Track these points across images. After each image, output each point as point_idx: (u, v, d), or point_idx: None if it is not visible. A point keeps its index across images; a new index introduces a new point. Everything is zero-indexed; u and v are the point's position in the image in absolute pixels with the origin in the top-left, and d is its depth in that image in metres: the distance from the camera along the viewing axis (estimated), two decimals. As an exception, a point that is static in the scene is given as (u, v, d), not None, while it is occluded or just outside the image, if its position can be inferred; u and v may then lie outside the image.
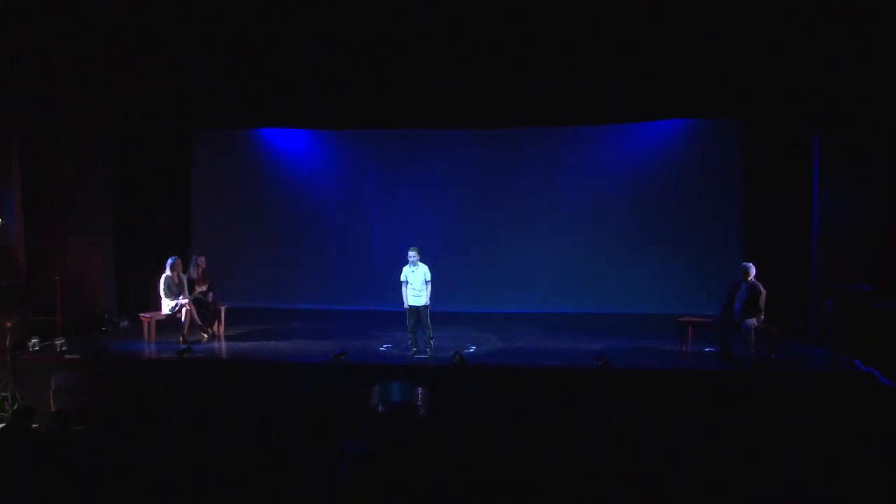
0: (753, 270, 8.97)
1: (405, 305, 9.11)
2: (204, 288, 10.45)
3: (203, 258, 10.64)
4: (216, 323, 10.41)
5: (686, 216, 12.21)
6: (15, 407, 8.11)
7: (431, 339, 9.09)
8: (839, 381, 8.00)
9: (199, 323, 9.98)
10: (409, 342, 9.20)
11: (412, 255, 9.02)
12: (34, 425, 6.31)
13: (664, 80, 10.45)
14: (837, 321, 9.24)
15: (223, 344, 10.04)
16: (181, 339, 9.74)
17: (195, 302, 10.07)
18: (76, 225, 10.84)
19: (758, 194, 11.24)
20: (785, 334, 9.40)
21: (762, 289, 8.86)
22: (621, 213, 12.41)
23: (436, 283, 9.22)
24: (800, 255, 10.46)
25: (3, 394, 8.32)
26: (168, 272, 9.99)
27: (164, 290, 9.96)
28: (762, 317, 8.89)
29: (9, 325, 8.78)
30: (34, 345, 9.08)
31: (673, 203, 12.26)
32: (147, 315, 10.07)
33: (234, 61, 10.27)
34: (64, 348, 9.08)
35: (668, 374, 8.34)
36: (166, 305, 9.97)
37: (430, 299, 9.10)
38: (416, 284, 9.01)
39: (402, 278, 9.10)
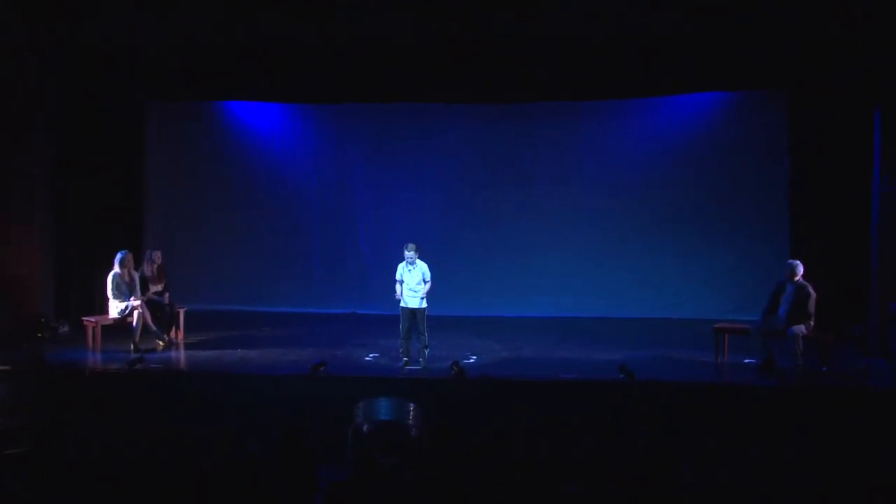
0: (801, 269, 8.95)
1: (398, 298, 9.12)
2: (159, 287, 10.42)
3: (159, 253, 10.63)
4: (173, 328, 10.39)
5: (722, 206, 12.23)
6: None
7: (426, 347, 9.10)
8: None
9: (154, 328, 9.95)
10: (401, 350, 9.19)
11: (409, 253, 9.01)
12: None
13: (697, 45, 10.40)
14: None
15: (182, 353, 10.04)
16: (132, 347, 9.70)
17: (149, 304, 10.04)
18: (7, 214, 10.77)
19: (807, 180, 11.18)
20: (839, 344, 9.37)
21: (812, 290, 8.84)
22: (646, 203, 12.44)
23: (432, 282, 9.19)
24: (857, 251, 10.41)
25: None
26: (117, 269, 9.93)
27: (112, 289, 9.90)
28: (811, 323, 8.87)
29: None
30: (-43, 354, 9.03)
31: (707, 190, 12.28)
32: (92, 319, 10.01)
33: (192, 19, 10.18)
34: (-7, 358, 9.02)
35: (700, 389, 8.32)
36: (115, 308, 9.92)
37: (427, 301, 9.11)
38: (412, 284, 9.09)
39: (397, 276, 9.14)
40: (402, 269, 9.13)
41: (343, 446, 7.01)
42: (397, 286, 9.15)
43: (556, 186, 12.61)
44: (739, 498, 5.11)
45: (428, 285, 9.10)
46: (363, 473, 5.23)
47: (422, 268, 9.10)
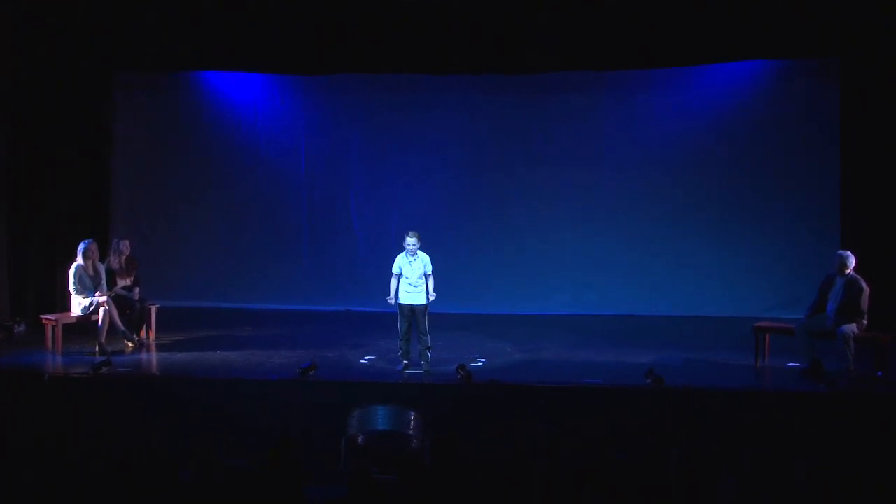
0: (853, 261, 8.92)
1: (393, 302, 9.09)
2: (128, 281, 10.43)
3: (127, 242, 10.62)
4: (144, 327, 10.39)
5: (764, 189, 12.22)
6: None
7: (429, 348, 9.09)
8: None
9: (122, 327, 9.94)
10: (400, 353, 9.19)
11: (411, 241, 9.00)
12: None
13: (735, 5, 10.31)
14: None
15: (154, 355, 10.04)
16: (98, 348, 9.69)
17: (116, 300, 10.03)
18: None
19: (861, 160, 11.13)
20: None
21: (864, 285, 8.81)
22: (678, 186, 12.44)
23: (436, 276, 9.18)
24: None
25: None
26: (80, 260, 9.93)
27: (74, 284, 9.91)
28: (864, 322, 8.83)
29: None
30: None
31: (746, 172, 12.28)
32: (52, 317, 10.01)
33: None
34: (-60, 361, 9.07)
35: (738, 397, 8.30)
36: (78, 304, 9.92)
37: (431, 297, 9.10)
38: (412, 278, 9.03)
39: (395, 269, 9.12)
40: (401, 261, 9.10)
41: (335, 460, 7.05)
42: (392, 281, 9.09)
43: (576, 168, 12.57)
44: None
45: (429, 280, 9.06)
46: (358, 491, 5.24)
47: (423, 259, 9.07)
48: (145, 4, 11.04)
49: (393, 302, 9.10)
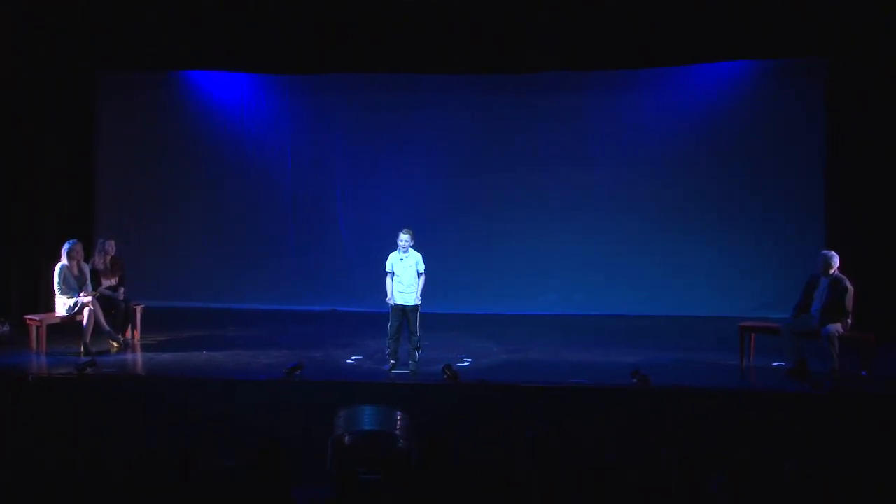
0: (837, 261, 8.96)
1: (390, 302, 9.09)
2: (113, 281, 10.42)
3: (112, 242, 10.62)
4: (129, 328, 10.38)
5: (750, 189, 12.31)
6: None
7: (418, 349, 9.10)
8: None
9: (107, 328, 9.94)
10: (388, 352, 9.19)
11: (403, 237, 9.01)
12: None
13: (722, 5, 10.37)
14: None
15: (139, 355, 10.02)
16: (82, 348, 9.68)
17: (101, 300, 10.02)
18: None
19: (845, 160, 11.19)
20: (881, 344, 9.37)
21: (849, 285, 8.85)
22: (665, 186, 12.51)
23: (426, 276, 9.17)
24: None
25: None
26: (64, 261, 9.90)
27: (59, 284, 9.88)
28: (849, 321, 8.87)
29: None
30: None
31: (733, 172, 12.36)
32: (36, 317, 9.98)
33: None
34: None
35: (723, 396, 8.33)
36: (62, 304, 9.89)
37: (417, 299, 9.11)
38: (405, 278, 9.04)
39: (388, 268, 9.13)
40: (393, 259, 9.09)
41: (322, 460, 7.04)
42: (388, 280, 9.09)
43: (563, 167, 12.62)
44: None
45: (421, 279, 9.07)
46: (345, 491, 5.23)
47: (415, 258, 9.06)
48: (131, 3, 10.98)
49: (392, 302, 9.08)
